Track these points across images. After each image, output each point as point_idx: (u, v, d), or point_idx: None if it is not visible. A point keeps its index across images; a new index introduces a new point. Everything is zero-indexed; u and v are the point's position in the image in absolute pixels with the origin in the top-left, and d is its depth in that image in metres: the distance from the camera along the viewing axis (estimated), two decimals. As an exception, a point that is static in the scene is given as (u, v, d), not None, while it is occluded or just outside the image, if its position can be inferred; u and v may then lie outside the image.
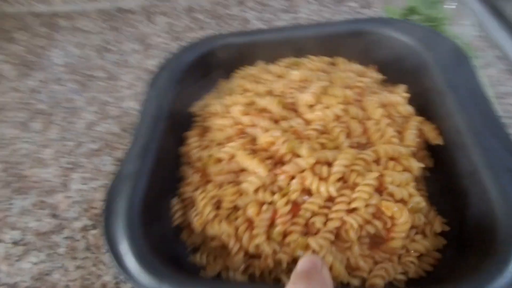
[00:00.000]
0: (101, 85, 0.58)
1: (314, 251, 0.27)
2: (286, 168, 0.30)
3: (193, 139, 0.38)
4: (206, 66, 0.45)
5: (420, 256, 0.29)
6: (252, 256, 0.31)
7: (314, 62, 0.41)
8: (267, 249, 0.29)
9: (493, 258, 0.23)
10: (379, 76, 0.40)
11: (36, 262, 0.38)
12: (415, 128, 0.34)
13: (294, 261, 0.28)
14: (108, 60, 0.62)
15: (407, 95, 0.35)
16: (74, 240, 0.40)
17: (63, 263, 0.38)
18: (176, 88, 0.41)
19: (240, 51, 0.45)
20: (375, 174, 0.29)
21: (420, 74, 0.36)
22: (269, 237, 0.29)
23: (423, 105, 0.35)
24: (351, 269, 0.28)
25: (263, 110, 0.36)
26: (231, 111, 0.36)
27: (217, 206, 0.33)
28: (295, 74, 0.37)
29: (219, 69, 0.46)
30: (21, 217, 0.42)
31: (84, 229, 0.40)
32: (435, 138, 0.33)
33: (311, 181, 0.29)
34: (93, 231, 0.40)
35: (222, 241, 0.31)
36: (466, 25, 0.48)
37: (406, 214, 0.27)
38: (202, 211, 0.31)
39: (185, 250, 0.34)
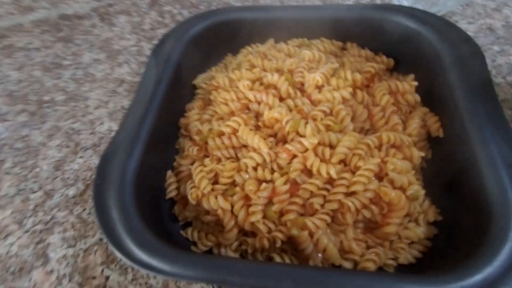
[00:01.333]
0: (61, 110, 0.46)
1: (310, 231, 0.27)
2: (288, 146, 0.29)
3: (194, 111, 0.37)
4: (213, 39, 0.43)
5: (411, 244, 0.30)
6: (245, 234, 0.31)
7: (325, 44, 0.40)
8: (262, 227, 0.29)
9: (484, 248, 0.24)
10: (390, 62, 0.39)
11: None
12: (419, 119, 0.33)
13: (288, 240, 0.29)
14: (64, 78, 0.50)
15: (415, 83, 0.35)
16: None
17: None
18: (179, 58, 0.39)
19: (250, 27, 0.43)
20: (377, 160, 0.29)
21: (431, 64, 0.35)
22: (265, 216, 0.29)
23: (430, 95, 0.35)
24: (343, 252, 0.28)
25: (269, 87, 0.35)
26: (237, 85, 0.35)
27: (214, 181, 0.32)
28: (306, 53, 0.36)
29: (227, 44, 0.45)
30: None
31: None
32: (436, 130, 0.33)
33: (312, 162, 0.29)
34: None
35: (216, 217, 0.30)
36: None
37: (403, 200, 0.27)
38: (198, 184, 0.31)
39: (177, 225, 0.34)
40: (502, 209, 0.24)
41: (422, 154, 0.31)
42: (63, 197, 0.38)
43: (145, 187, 0.31)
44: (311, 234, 0.27)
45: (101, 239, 0.34)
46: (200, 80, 0.42)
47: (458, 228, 0.29)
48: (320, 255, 0.27)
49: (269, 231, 0.29)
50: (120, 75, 0.51)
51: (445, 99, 0.33)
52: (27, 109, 0.48)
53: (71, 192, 0.38)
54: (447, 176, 0.31)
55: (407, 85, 0.34)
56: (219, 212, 0.30)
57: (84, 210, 0.37)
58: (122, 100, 0.48)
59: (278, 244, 0.28)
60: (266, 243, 0.28)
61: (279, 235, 0.28)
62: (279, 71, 0.36)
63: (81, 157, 0.42)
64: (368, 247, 0.29)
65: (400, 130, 0.32)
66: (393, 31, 0.39)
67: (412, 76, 0.36)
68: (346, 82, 0.33)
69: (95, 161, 0.41)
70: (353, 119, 0.33)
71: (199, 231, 0.31)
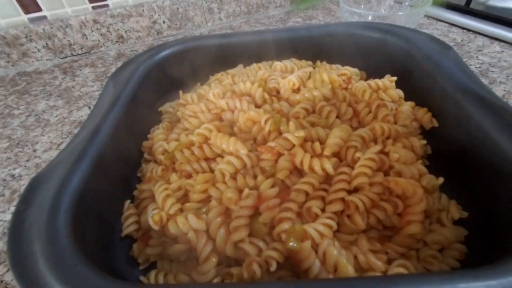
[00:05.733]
0: (1, 157, 0.41)
1: (313, 243, 0.20)
2: (271, 143, 0.24)
3: (158, 131, 0.32)
4: (179, 66, 0.41)
5: (441, 251, 0.23)
6: (228, 265, 0.23)
7: (295, 62, 0.39)
8: (249, 248, 0.21)
9: None
10: (363, 74, 0.38)
11: None
12: (409, 110, 0.31)
13: (286, 261, 0.21)
14: (11, 126, 0.47)
15: (394, 78, 0.33)
16: None
17: None
18: (140, 81, 0.36)
19: (217, 53, 0.42)
20: (377, 147, 0.24)
21: (404, 65, 0.34)
22: (252, 233, 0.22)
23: (410, 92, 0.33)
24: (361, 270, 0.21)
25: (242, 95, 0.31)
26: (207, 98, 0.32)
27: (183, 201, 0.25)
28: (277, 64, 0.35)
29: (196, 72, 0.43)
30: None
31: None
32: (429, 121, 0.30)
33: (302, 157, 0.23)
34: None
35: (187, 244, 0.23)
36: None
37: (420, 189, 0.22)
38: (162, 204, 0.24)
39: (135, 270, 0.25)
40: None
41: (423, 141, 0.27)
42: None
43: (89, 220, 0.23)
44: (314, 248, 0.20)
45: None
46: (167, 106, 0.38)
47: (491, 222, 0.23)
48: (331, 276, 0.20)
49: (259, 252, 0.21)
50: (79, 117, 0.47)
51: (429, 90, 0.31)
52: None
53: None
54: (458, 166, 0.27)
55: (387, 81, 0.33)
56: (191, 236, 0.22)
57: (8, 270, 0.27)
58: (78, 141, 0.42)
59: (273, 267, 0.20)
60: (257, 269, 0.20)
61: (273, 253, 0.20)
62: (251, 81, 0.34)
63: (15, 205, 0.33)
64: (389, 261, 0.22)
65: (392, 121, 0.29)
66: (360, 44, 0.40)
67: (388, 75, 0.35)
68: (323, 83, 0.31)
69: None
70: (338, 117, 0.30)
71: (166, 273, 0.23)
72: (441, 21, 0.63)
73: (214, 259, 0.22)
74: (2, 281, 0.27)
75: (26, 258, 0.17)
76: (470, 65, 0.48)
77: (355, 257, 0.21)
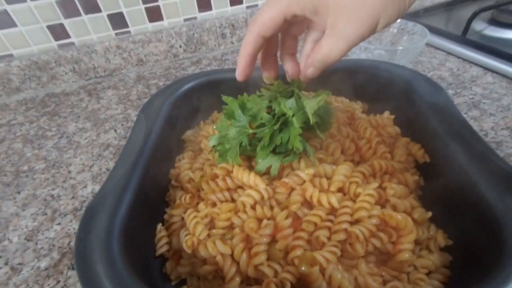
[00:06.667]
0: (40, 178, 0.45)
1: (320, 267, 0.25)
2: (285, 179, 0.29)
3: (184, 161, 0.37)
4: (200, 97, 0.46)
5: (429, 274, 0.27)
6: (248, 284, 0.27)
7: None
8: (268, 270, 0.26)
9: (500, 269, 0.22)
10: (364, 106, 0.43)
11: None
12: (404, 147, 0.35)
13: (298, 282, 0.26)
14: (46, 148, 0.51)
15: (392, 116, 0.38)
16: None
17: None
18: (168, 113, 0.40)
19: (235, 85, 0.47)
20: (375, 184, 0.29)
21: (402, 103, 0.39)
22: (270, 257, 0.27)
23: (407, 128, 0.38)
24: (360, 290, 0.26)
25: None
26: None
27: (210, 227, 0.30)
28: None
29: (214, 102, 0.47)
30: None
31: None
32: (422, 156, 0.34)
33: (311, 192, 0.28)
34: None
35: (215, 266, 0.27)
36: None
37: (410, 222, 0.26)
38: (193, 230, 0.28)
39: (168, 285, 0.30)
40: (508, 217, 0.24)
41: (416, 177, 0.32)
42: (33, 271, 0.33)
43: (133, 242, 0.28)
44: (322, 271, 0.25)
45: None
46: (188, 134, 0.43)
47: (471, 250, 0.27)
48: (336, 295, 0.24)
49: (276, 274, 0.26)
50: (106, 140, 0.52)
51: (422, 128, 0.36)
52: (1, 180, 0.46)
53: (44, 263, 0.34)
54: (446, 198, 0.31)
55: (385, 118, 0.37)
56: (218, 259, 0.27)
57: (58, 282, 0.32)
58: (108, 163, 0.47)
59: (288, 287, 0.25)
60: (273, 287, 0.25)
61: (288, 275, 0.25)
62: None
63: (58, 223, 0.38)
64: (384, 282, 0.26)
65: (389, 158, 0.33)
66: (364, 80, 0.44)
67: (387, 111, 0.39)
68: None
69: (74, 226, 0.38)
70: (342, 152, 0.34)
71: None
72: (439, 49, 0.67)
73: (237, 279, 0.26)
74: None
75: (93, 278, 0.22)
76: (464, 95, 0.52)
77: (356, 279, 0.26)
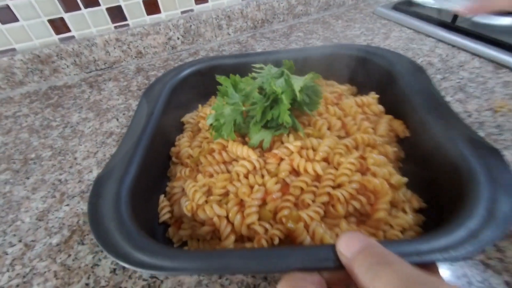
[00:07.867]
0: (47, 165, 0.48)
1: (305, 224, 0.28)
2: (275, 151, 0.32)
3: (184, 139, 0.40)
4: (198, 82, 0.49)
5: (403, 232, 0.30)
6: (242, 241, 0.30)
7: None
8: (259, 228, 0.29)
9: (463, 211, 0.25)
10: (353, 89, 0.46)
11: None
12: (386, 123, 0.38)
13: (286, 238, 0.29)
14: (52, 137, 0.54)
15: (376, 96, 0.41)
16: None
17: None
18: (168, 97, 0.43)
19: (231, 70, 0.49)
20: (356, 154, 0.32)
21: (386, 84, 0.42)
22: (260, 218, 0.30)
23: (390, 107, 0.41)
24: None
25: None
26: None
27: (207, 195, 0.33)
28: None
29: (212, 87, 0.50)
30: None
31: None
32: (402, 131, 0.38)
33: (298, 162, 0.31)
34: None
35: (212, 226, 0.30)
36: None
37: (386, 186, 0.29)
38: (193, 196, 0.32)
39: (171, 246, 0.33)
40: (469, 175, 0.27)
41: (395, 148, 0.35)
42: (45, 247, 0.36)
43: (139, 208, 0.31)
44: (306, 228, 0.28)
45: (87, 284, 0.32)
46: (188, 117, 0.46)
47: (442, 210, 0.30)
48: (319, 248, 0.27)
49: (266, 232, 0.29)
50: (109, 129, 0.54)
51: (403, 106, 0.38)
52: (10, 167, 0.48)
53: (55, 240, 0.37)
54: (421, 166, 0.34)
55: (370, 98, 0.40)
56: (215, 220, 0.30)
57: (69, 256, 0.35)
58: (111, 149, 0.50)
59: (276, 242, 0.28)
60: (264, 243, 0.28)
61: (277, 232, 0.28)
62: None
63: (67, 205, 0.41)
64: (364, 239, 0.29)
65: (372, 133, 0.36)
66: (353, 64, 0.47)
67: (373, 92, 0.42)
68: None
69: (82, 206, 0.40)
70: (329, 129, 0.37)
71: (195, 249, 0.31)
72: (430, 36, 0.70)
73: (232, 237, 0.29)
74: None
75: (106, 233, 0.25)
76: (451, 80, 0.55)
77: (337, 235, 0.29)
